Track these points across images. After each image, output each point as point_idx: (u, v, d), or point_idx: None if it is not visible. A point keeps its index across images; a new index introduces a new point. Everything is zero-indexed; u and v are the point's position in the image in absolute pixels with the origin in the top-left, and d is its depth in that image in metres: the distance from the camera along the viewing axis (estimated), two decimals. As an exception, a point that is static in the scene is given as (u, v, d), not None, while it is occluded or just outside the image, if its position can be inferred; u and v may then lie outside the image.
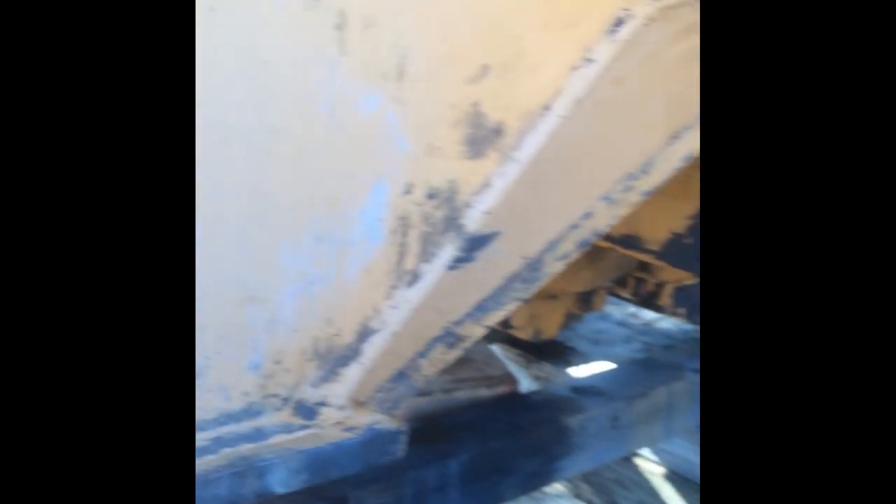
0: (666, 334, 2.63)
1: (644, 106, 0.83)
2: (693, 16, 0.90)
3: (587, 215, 0.76)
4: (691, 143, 0.78)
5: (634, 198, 0.77)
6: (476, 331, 0.75)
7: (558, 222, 0.77)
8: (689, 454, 1.87)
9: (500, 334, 1.97)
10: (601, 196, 0.77)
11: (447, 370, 1.70)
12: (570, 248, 0.76)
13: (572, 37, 0.87)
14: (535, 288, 0.76)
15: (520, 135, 0.86)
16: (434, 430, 1.49)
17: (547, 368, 2.06)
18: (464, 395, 1.61)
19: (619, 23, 0.90)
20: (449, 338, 0.74)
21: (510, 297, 0.75)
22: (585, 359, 2.14)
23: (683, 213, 0.99)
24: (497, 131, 0.84)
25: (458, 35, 0.78)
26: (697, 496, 1.85)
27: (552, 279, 1.32)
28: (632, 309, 3.00)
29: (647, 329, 2.73)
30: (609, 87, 0.87)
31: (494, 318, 0.76)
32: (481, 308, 0.75)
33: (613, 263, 1.29)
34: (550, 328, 1.48)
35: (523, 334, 1.49)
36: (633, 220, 1.04)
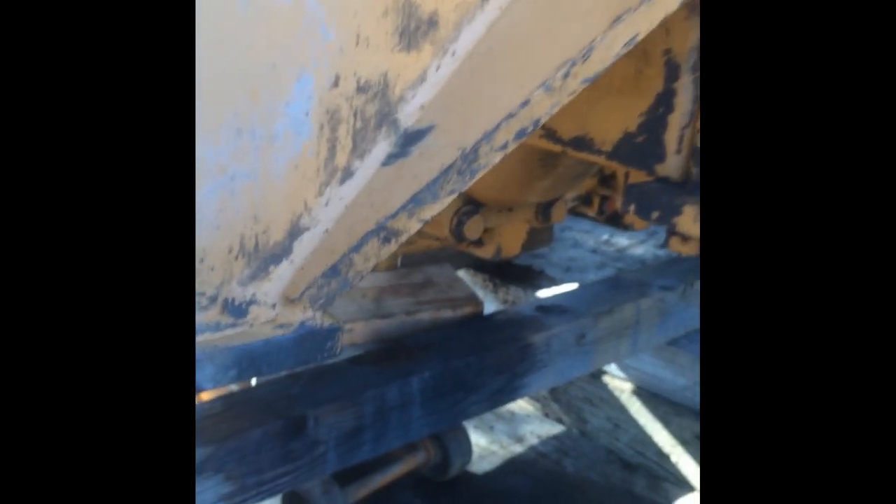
0: (640, 260, 2.63)
1: (584, -10, 0.79)
2: None
3: (525, 104, 0.73)
4: (633, 27, 0.74)
5: (574, 85, 0.74)
6: (411, 224, 0.73)
7: (495, 112, 0.74)
8: (657, 370, 1.89)
9: (468, 259, 1.95)
10: (540, 84, 0.74)
11: (409, 293, 1.69)
12: (507, 139, 0.74)
13: (510, -79, 0.83)
14: (471, 179, 0.74)
15: (457, 26, 0.82)
16: (396, 351, 1.48)
17: (515, 292, 2.06)
18: (427, 316, 1.61)
19: None
20: (383, 232, 0.72)
21: (446, 190, 0.73)
22: (555, 283, 2.14)
23: (635, 110, 0.96)
24: (432, 23, 0.80)
25: (384, -85, 0.74)
26: (665, 410, 1.87)
27: (507, 190, 1.30)
28: (605, 236, 2.99)
29: (620, 255, 2.73)
30: (549, -26, 0.83)
31: (430, 212, 0.73)
32: (416, 201, 0.72)
33: (570, 172, 1.27)
34: (512, 245, 1.46)
35: (484, 253, 1.47)
36: (583, 121, 1.01)
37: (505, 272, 2.07)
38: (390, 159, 0.78)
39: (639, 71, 0.95)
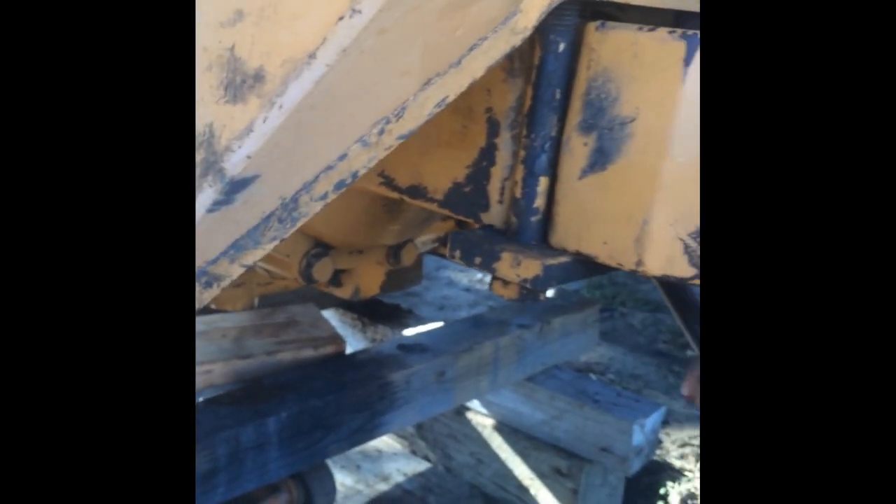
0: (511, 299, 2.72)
1: (402, 54, 0.86)
2: (458, -30, 0.93)
3: (343, 157, 0.78)
4: (443, 90, 0.81)
5: (390, 141, 0.80)
6: (233, 270, 0.76)
7: (315, 164, 0.79)
8: (517, 405, 1.96)
9: (337, 298, 1.98)
10: (357, 139, 0.79)
11: (271, 333, 1.71)
12: (326, 189, 0.79)
13: (339, -13, 0.89)
14: (292, 227, 0.78)
15: (283, 82, 0.87)
16: (254, 392, 1.49)
17: (383, 331, 2.10)
18: (288, 356, 1.62)
19: (387, -25, 0.93)
20: (204, 277, 0.75)
21: (267, 237, 0.77)
22: (423, 322, 2.19)
23: (462, 162, 1.03)
24: (258, 77, 0.85)
25: (209, -23, 0.79)
26: (524, 444, 1.94)
27: (355, 234, 1.35)
28: (479, 275, 3.09)
29: (492, 294, 2.82)
30: (373, 37, 0.90)
31: (252, 257, 0.77)
32: (237, 247, 0.76)
33: (416, 216, 1.33)
34: (370, 285, 1.50)
35: (343, 293, 1.51)
36: (418, 171, 1.08)
37: (373, 311, 2.11)
38: (215, 206, 0.81)
39: (464, 126, 1.03)
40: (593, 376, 2.36)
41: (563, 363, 2.06)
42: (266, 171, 0.82)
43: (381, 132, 0.80)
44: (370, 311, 2.12)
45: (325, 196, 0.79)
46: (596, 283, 3.06)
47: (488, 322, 1.95)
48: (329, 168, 0.78)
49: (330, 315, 2.10)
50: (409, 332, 2.10)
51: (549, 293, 2.29)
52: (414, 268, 2.23)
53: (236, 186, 0.81)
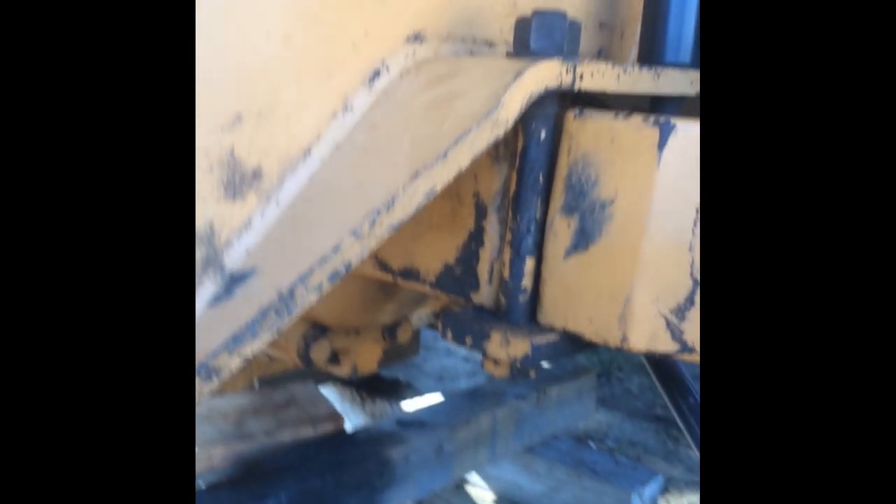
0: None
1: (392, 148, 0.91)
2: (442, 67, 1.00)
3: (336, 249, 0.82)
4: (430, 181, 0.86)
5: (381, 231, 0.84)
6: (232, 362, 0.79)
7: (310, 256, 0.83)
8: (516, 477, 1.96)
9: (332, 375, 1.99)
10: (350, 231, 0.83)
11: (271, 413, 1.72)
12: (321, 280, 0.82)
13: (331, 87, 0.95)
14: (289, 318, 0.81)
15: (280, 178, 0.92)
16: (253, 474, 1.50)
17: (382, 405, 2.11)
18: (287, 436, 1.63)
19: (376, 74, 0.99)
20: (204, 370, 0.77)
21: (265, 328, 0.80)
22: (421, 395, 2.20)
23: (452, 245, 1.07)
24: (256, 174, 0.89)
25: (209, 84, 0.84)
26: (525, 518, 1.93)
27: (351, 315, 1.38)
28: (476, 344, 3.09)
29: (490, 362, 2.82)
30: (365, 133, 0.95)
31: (250, 348, 0.80)
32: (236, 340, 0.79)
33: (411, 296, 1.37)
34: (368, 362, 1.53)
35: (341, 372, 1.53)
36: (410, 254, 1.12)
37: (372, 386, 2.12)
38: (215, 301, 0.85)
39: (454, 210, 1.07)
40: (592, 444, 2.36)
41: (560, 432, 2.07)
42: (263, 264, 0.86)
43: (373, 223, 0.84)
44: (369, 386, 2.14)
45: (320, 287, 0.83)
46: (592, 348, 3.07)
47: (485, 394, 1.96)
48: (323, 260, 0.82)
49: (329, 390, 2.11)
50: (407, 405, 2.11)
51: (544, 363, 2.30)
52: (411, 341, 2.26)
53: (235, 280, 0.85)
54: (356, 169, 0.91)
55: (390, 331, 1.48)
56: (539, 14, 0.96)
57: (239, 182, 0.87)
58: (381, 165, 0.89)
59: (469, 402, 1.89)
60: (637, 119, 0.94)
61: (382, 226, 0.84)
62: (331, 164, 0.93)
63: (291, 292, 0.81)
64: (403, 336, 1.48)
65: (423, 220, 1.11)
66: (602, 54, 1.31)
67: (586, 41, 1.27)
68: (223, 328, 0.80)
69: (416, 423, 1.77)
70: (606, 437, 2.46)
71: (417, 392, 2.24)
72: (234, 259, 0.87)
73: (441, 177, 0.87)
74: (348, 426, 1.80)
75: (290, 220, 0.90)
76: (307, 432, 1.67)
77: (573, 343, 1.01)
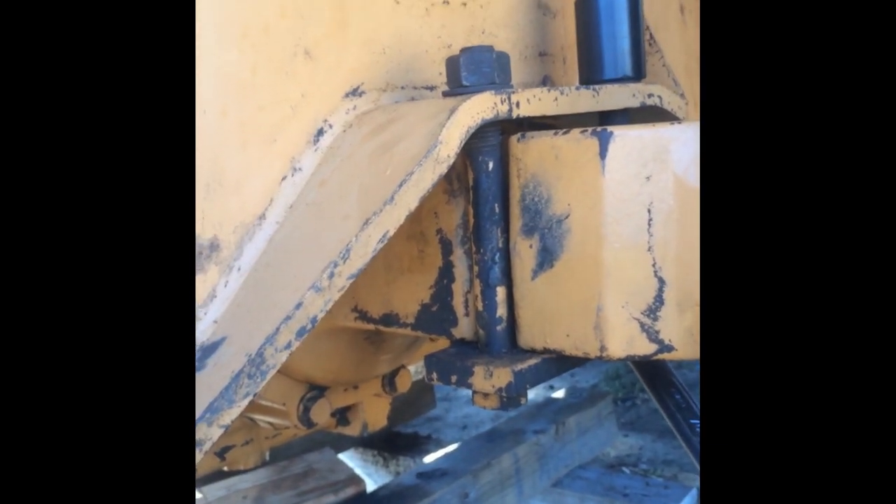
0: (532, 403, 2.71)
1: (341, 200, 0.93)
2: (382, 116, 1.03)
3: (299, 306, 0.84)
4: (382, 227, 0.87)
5: (341, 283, 0.86)
6: (212, 432, 0.80)
7: (275, 317, 0.84)
8: (549, 514, 1.93)
9: (352, 439, 1.99)
10: (310, 286, 0.85)
11: (290, 485, 1.71)
12: (289, 339, 0.83)
13: (277, 151, 0.98)
14: (262, 381, 0.82)
15: (238, 245, 0.94)
16: (278, 548, 1.49)
17: (405, 462, 2.09)
18: (309, 506, 1.62)
19: (320, 132, 1.02)
20: (184, 444, 0.78)
21: (240, 394, 0.81)
22: (443, 446, 2.19)
23: (425, 284, 1.09)
24: (213, 246, 0.92)
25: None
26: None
27: (345, 371, 1.39)
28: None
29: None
30: (315, 190, 0.98)
31: (229, 417, 0.81)
32: (212, 410, 0.80)
33: (401, 342, 1.37)
34: (377, 418, 1.53)
35: (352, 431, 1.53)
36: (387, 300, 1.13)
37: (392, 444, 2.11)
38: (189, 374, 0.86)
39: (421, 251, 1.09)
40: (626, 469, 2.31)
41: (590, 461, 2.04)
42: (232, 331, 0.88)
43: (332, 276, 0.85)
44: (389, 445, 2.13)
45: (288, 345, 0.84)
46: (612, 373, 3.05)
47: (503, 434, 1.95)
48: (288, 318, 0.84)
49: (349, 455, 2.10)
50: (430, 458, 2.09)
51: (560, 393, 2.28)
52: (425, 393, 2.25)
53: (207, 352, 0.86)
54: (311, 226, 0.93)
55: (389, 381, 1.48)
56: (466, 51, 0.99)
57: (197, 256, 0.89)
58: (334, 219, 0.91)
59: (488, 445, 1.88)
60: (575, 133, 0.96)
61: (342, 276, 0.86)
62: (286, 224, 0.96)
63: (261, 354, 0.82)
64: (402, 384, 1.48)
65: (393, 265, 1.13)
66: (547, 81, 1.34)
67: (529, 71, 1.30)
68: (200, 400, 0.82)
69: (437, 472, 1.76)
70: (640, 460, 2.41)
71: (441, 444, 2.22)
72: (202, 331, 0.88)
73: (392, 221, 0.89)
74: (373, 486, 1.79)
75: (253, 285, 0.92)
76: (329, 500, 1.66)
77: (557, 363, 1.01)
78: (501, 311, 1.02)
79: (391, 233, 0.89)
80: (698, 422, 1.09)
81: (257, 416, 1.45)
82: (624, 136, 0.94)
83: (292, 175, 0.99)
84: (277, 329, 0.83)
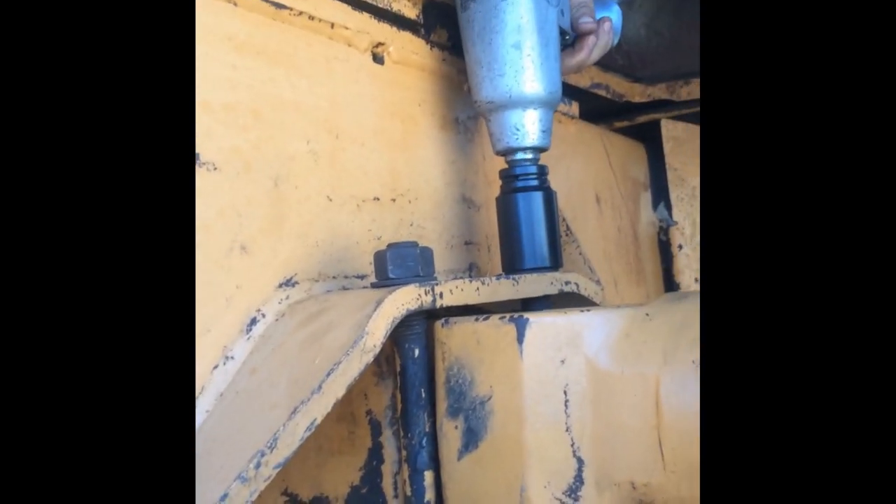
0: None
1: (271, 389, 0.97)
2: (314, 306, 1.09)
3: (224, 497, 0.85)
4: (309, 416, 0.91)
5: (267, 472, 0.88)
6: None
7: (200, 509, 0.85)
8: None
9: None
10: (236, 476, 0.86)
11: None
12: (216, 531, 0.84)
13: (210, 341, 1.02)
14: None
15: (168, 436, 0.96)
16: None
17: None
18: None
19: (253, 322, 1.07)
20: None
21: None
22: None
23: (355, 466, 1.11)
24: (143, 438, 0.93)
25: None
26: None
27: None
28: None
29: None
30: (246, 378, 1.01)
31: None
32: None
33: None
34: None
35: None
36: (318, 482, 1.14)
37: None
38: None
39: (351, 432, 1.12)
40: None
41: None
42: (155, 525, 0.87)
43: (258, 465, 0.87)
44: None
45: (217, 538, 0.84)
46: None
47: None
48: (212, 510, 0.84)
49: None
50: None
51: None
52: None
53: (128, 547, 0.86)
54: (240, 414, 0.96)
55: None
56: (393, 246, 1.08)
57: (125, 448, 0.91)
58: (263, 408, 0.94)
59: None
60: (495, 319, 1.04)
61: (268, 466, 0.88)
62: (215, 413, 0.98)
63: (184, 547, 0.82)
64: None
65: (324, 447, 1.14)
66: (473, 268, 1.43)
67: (456, 259, 1.40)
68: None
69: None
70: None
71: None
72: (125, 526, 0.88)
73: (319, 409, 0.92)
74: None
75: (180, 476, 0.92)
76: None
77: (484, 547, 1.02)
78: (430, 495, 1.04)
79: (318, 421, 0.92)
80: None
81: None
82: (539, 323, 1.01)
83: (224, 364, 1.02)
84: (203, 522, 0.84)
